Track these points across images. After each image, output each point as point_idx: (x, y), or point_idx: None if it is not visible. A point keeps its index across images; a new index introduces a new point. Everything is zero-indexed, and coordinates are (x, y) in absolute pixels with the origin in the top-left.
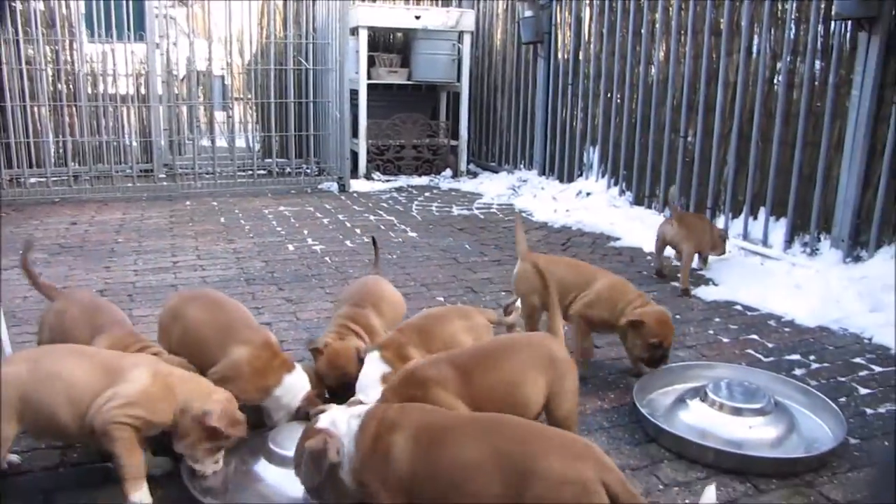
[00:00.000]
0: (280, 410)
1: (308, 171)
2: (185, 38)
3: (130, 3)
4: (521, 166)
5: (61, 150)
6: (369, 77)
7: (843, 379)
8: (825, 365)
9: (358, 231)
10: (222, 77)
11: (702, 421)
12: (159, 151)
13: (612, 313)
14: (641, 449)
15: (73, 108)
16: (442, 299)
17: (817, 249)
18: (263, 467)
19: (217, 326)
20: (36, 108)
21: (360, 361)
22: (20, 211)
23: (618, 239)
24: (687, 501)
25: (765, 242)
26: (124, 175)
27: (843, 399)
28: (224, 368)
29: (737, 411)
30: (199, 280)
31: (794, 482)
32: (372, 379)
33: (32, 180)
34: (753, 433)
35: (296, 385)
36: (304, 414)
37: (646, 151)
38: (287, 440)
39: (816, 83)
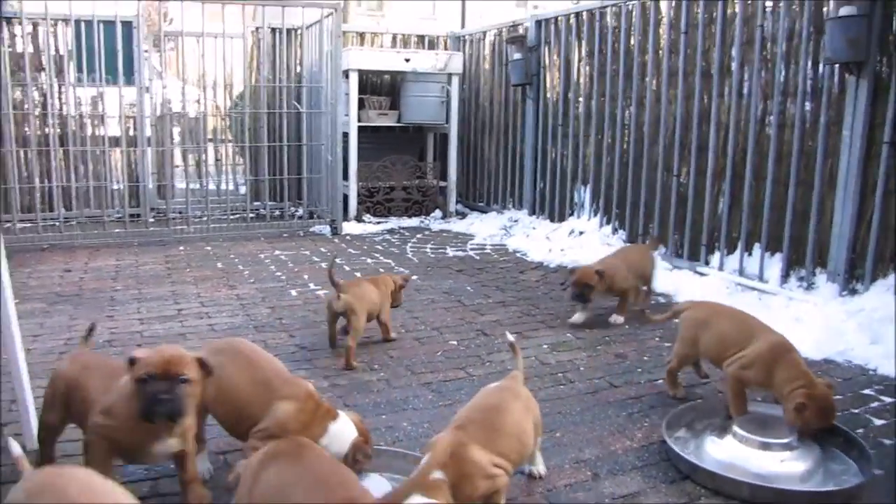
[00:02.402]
0: None
1: (300, 214)
2: (176, 82)
3: (119, 46)
4: (511, 206)
5: (48, 196)
6: (359, 119)
7: (856, 411)
8: (837, 398)
9: (358, 274)
10: (205, 118)
11: (732, 456)
12: (147, 195)
13: (769, 380)
14: (677, 486)
15: (62, 153)
16: (455, 343)
17: (813, 283)
18: None
19: (255, 382)
20: (24, 153)
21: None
22: (10, 258)
23: None
24: None
25: (761, 278)
26: (114, 220)
27: (860, 430)
28: (271, 425)
29: (765, 446)
30: (207, 328)
31: None
32: (413, 485)
33: (21, 225)
34: (783, 467)
35: (343, 432)
36: (352, 461)
37: (638, 190)
38: None
39: (807, 124)
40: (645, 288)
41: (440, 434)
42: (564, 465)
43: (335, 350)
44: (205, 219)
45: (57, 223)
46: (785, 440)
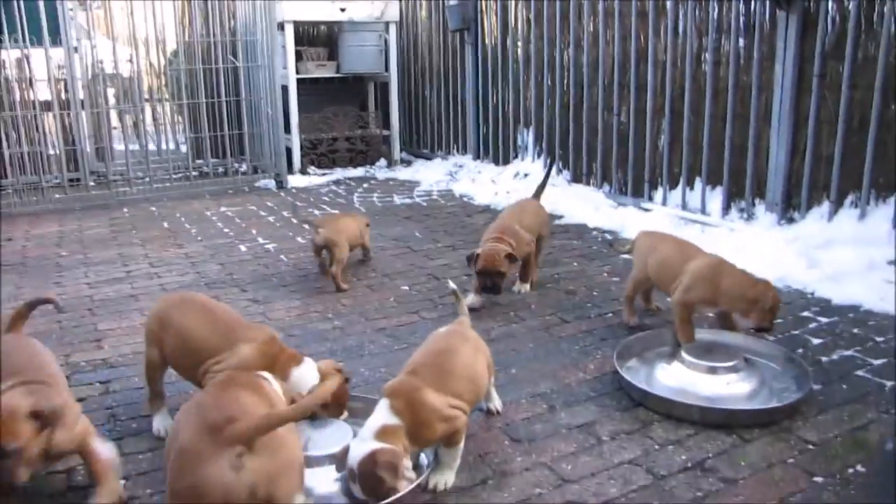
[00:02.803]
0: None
1: (243, 170)
2: (105, 41)
3: (43, 6)
4: (455, 152)
5: None
6: (297, 72)
7: (795, 332)
8: (777, 321)
9: (306, 227)
10: (139, 77)
11: (682, 381)
12: (86, 159)
13: (715, 294)
14: (630, 413)
15: None
16: (407, 288)
17: (753, 214)
18: None
19: (215, 328)
20: None
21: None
22: None
23: (561, 216)
24: (683, 457)
25: (703, 211)
26: (53, 186)
27: (799, 350)
28: (231, 365)
29: (712, 370)
30: (158, 288)
31: (773, 430)
32: (369, 431)
33: None
34: (730, 389)
35: (305, 377)
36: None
37: (580, 131)
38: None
39: (741, 59)
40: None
41: (393, 380)
42: (521, 400)
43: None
44: (147, 180)
45: None
46: (730, 363)
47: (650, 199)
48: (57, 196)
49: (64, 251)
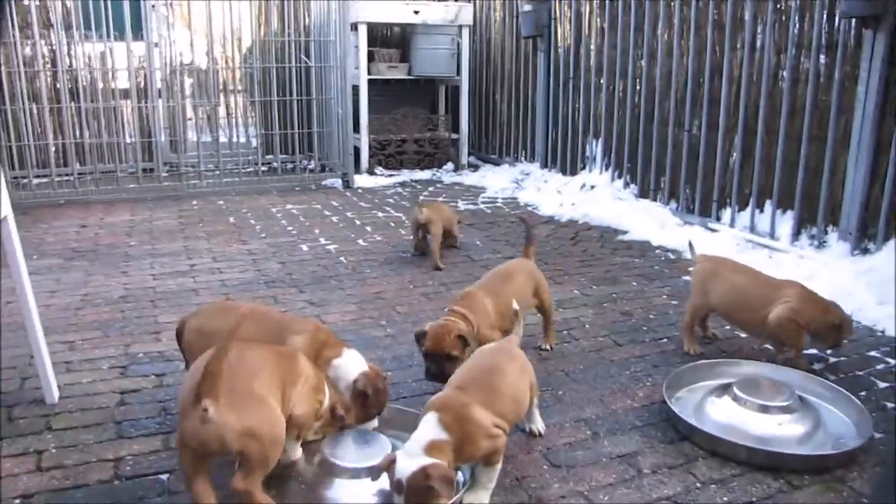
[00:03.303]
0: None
1: (311, 167)
2: (184, 35)
3: (127, 1)
4: (523, 159)
5: (62, 152)
6: (369, 72)
7: (861, 373)
8: (843, 359)
9: (368, 229)
10: (216, 71)
11: (731, 418)
12: (160, 150)
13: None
14: (675, 447)
15: (73, 109)
16: None
17: (825, 242)
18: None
19: (266, 329)
20: (37, 109)
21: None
22: (27, 214)
23: (625, 232)
24: (725, 499)
25: (772, 235)
26: (128, 175)
27: (863, 393)
28: None
29: (764, 409)
30: (219, 283)
31: (825, 478)
32: (418, 445)
33: (36, 181)
34: (782, 430)
35: (344, 367)
36: (356, 391)
37: (650, 144)
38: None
39: (821, 78)
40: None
41: (439, 394)
42: (565, 424)
43: (419, 257)
44: (217, 173)
45: (71, 178)
46: (783, 402)
47: (718, 219)
48: (131, 185)
49: (133, 240)
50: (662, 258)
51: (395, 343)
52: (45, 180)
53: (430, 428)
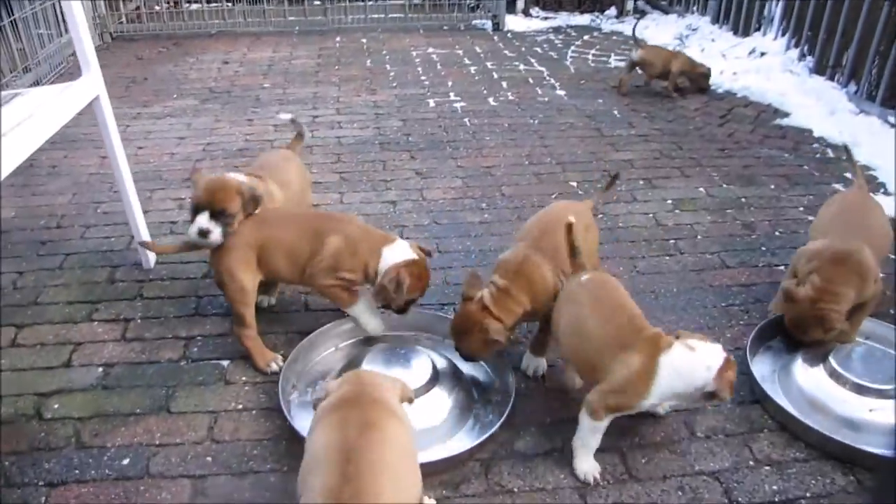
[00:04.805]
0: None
1: (462, 2)
2: None
3: None
4: (695, 9)
5: None
6: None
7: None
8: None
9: (504, 85)
10: None
11: (818, 390)
12: None
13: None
14: (742, 411)
15: None
16: (575, 184)
17: None
18: None
19: (301, 232)
20: None
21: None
22: (179, 45)
23: (786, 115)
24: (774, 487)
25: None
26: (276, 1)
27: None
28: (326, 258)
29: (858, 388)
30: (335, 140)
31: None
32: None
33: (192, 8)
34: (872, 416)
35: (392, 255)
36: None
37: (839, 9)
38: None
39: None
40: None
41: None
42: None
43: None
44: (363, 4)
45: (221, 8)
46: (883, 386)
47: None
48: (277, 18)
49: (267, 82)
50: (817, 155)
51: (487, 233)
52: (196, 6)
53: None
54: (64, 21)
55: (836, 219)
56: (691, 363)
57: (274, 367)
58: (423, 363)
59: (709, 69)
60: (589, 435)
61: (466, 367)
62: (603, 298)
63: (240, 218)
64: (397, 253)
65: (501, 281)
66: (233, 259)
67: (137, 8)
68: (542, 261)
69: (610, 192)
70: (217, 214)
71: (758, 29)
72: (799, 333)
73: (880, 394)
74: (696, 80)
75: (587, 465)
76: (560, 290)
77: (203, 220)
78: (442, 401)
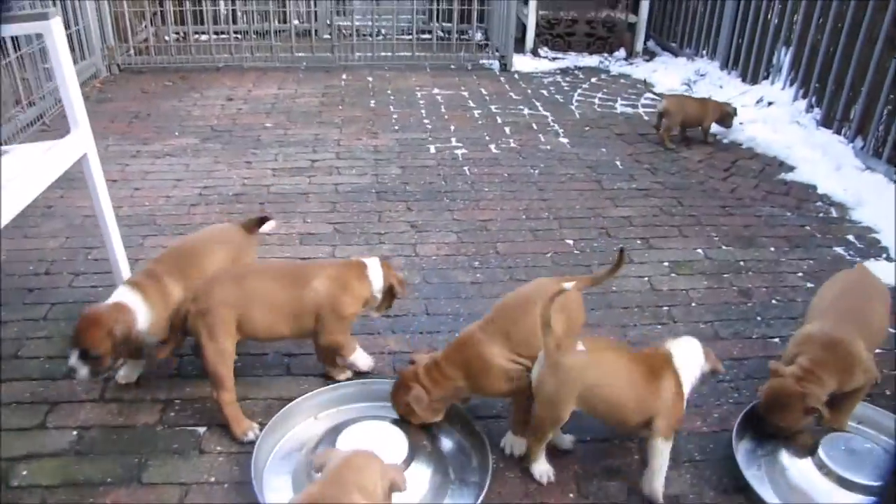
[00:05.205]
0: None
1: (470, 41)
2: None
3: None
4: (704, 54)
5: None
6: None
7: None
8: None
9: (507, 130)
10: None
11: (803, 481)
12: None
13: None
14: (727, 499)
15: None
16: (571, 242)
17: None
18: None
19: (285, 287)
20: None
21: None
22: (186, 80)
23: (791, 169)
24: None
25: None
26: (284, 36)
27: None
28: (323, 304)
29: (844, 483)
30: (332, 188)
31: None
32: None
33: (201, 39)
34: None
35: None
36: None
37: (847, 64)
38: None
39: None
40: None
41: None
42: (614, 440)
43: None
44: (370, 41)
45: (229, 43)
46: (867, 482)
47: None
48: (283, 54)
49: (269, 122)
50: (820, 214)
51: (479, 295)
52: (204, 38)
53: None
54: (73, 55)
55: (835, 303)
56: (691, 355)
57: (251, 435)
58: (399, 439)
59: (734, 108)
60: (665, 461)
61: (444, 445)
62: (612, 360)
63: (111, 355)
64: (375, 268)
65: (439, 353)
66: (210, 321)
67: (146, 39)
68: (486, 339)
69: (615, 272)
70: (84, 354)
71: (766, 77)
72: (773, 414)
73: (867, 490)
74: (723, 119)
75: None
76: (519, 373)
77: (73, 358)
78: (418, 479)
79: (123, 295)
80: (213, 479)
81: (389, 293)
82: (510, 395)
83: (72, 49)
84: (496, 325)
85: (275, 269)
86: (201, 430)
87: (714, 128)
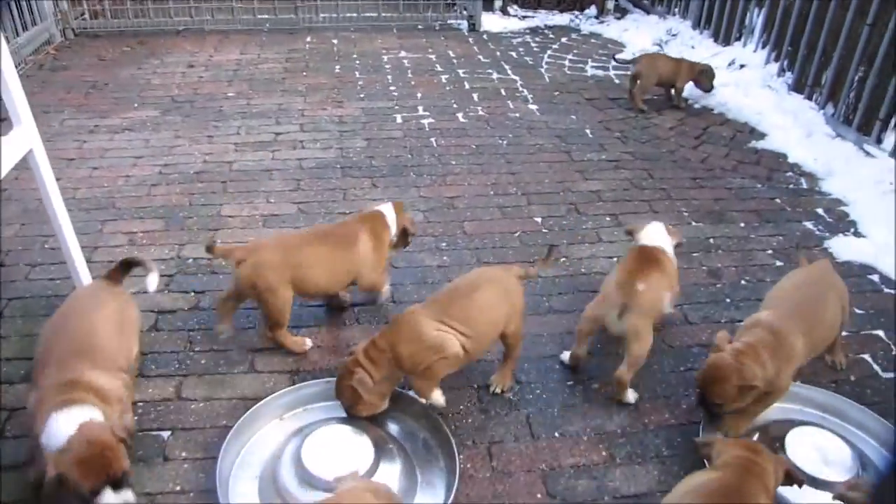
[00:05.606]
0: None
1: (437, 1)
2: None
3: None
4: (676, 11)
5: None
6: None
7: None
8: None
9: (475, 97)
10: None
11: None
12: None
13: None
14: None
15: None
16: (539, 220)
17: None
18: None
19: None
20: None
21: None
22: (144, 44)
23: (763, 136)
24: None
25: None
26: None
27: None
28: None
29: (813, 482)
30: (296, 164)
31: None
32: None
33: (155, 4)
34: None
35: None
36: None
37: (819, 28)
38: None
39: None
40: None
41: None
42: (583, 436)
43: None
44: (337, 3)
45: (188, 6)
46: (840, 478)
47: (878, 141)
48: (245, 16)
49: (231, 91)
50: (791, 185)
51: (445, 279)
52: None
53: None
54: (22, 21)
55: (791, 295)
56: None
57: (308, 343)
58: (364, 443)
59: (712, 70)
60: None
61: (410, 446)
62: None
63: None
64: (391, 214)
65: (378, 335)
66: (272, 278)
67: (101, 1)
68: (423, 312)
69: (548, 263)
70: (118, 483)
71: (738, 38)
72: (709, 386)
73: (831, 487)
74: (699, 81)
75: None
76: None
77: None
78: (387, 482)
79: None
80: (178, 488)
81: (403, 234)
82: (433, 373)
83: (21, 14)
84: (437, 304)
85: (321, 233)
86: (165, 434)
87: (690, 91)
